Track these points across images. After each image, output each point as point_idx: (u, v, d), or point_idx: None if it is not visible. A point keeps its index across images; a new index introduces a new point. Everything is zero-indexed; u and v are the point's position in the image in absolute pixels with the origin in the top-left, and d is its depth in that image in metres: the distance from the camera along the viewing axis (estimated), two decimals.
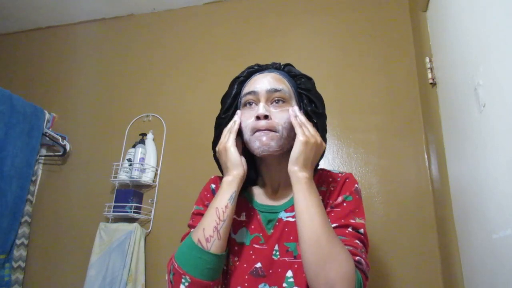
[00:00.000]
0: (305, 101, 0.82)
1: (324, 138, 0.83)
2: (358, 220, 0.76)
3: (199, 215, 0.83)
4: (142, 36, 2.18)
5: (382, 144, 1.56)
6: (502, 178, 0.74)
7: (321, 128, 0.82)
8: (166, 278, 0.71)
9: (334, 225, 0.73)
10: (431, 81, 1.33)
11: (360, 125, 1.60)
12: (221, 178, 0.89)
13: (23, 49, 2.43)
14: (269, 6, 1.99)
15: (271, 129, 0.76)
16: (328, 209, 0.77)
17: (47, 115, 2.02)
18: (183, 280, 0.68)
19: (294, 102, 0.81)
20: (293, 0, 1.96)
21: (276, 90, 0.79)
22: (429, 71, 1.34)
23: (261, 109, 0.76)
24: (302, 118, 0.76)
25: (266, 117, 0.76)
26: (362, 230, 0.74)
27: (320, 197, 0.72)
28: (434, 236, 1.36)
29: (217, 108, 0.90)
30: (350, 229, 0.73)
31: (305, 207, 0.67)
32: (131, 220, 1.73)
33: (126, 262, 1.55)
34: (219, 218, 0.71)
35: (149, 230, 1.71)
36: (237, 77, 0.87)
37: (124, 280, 1.52)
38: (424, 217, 1.40)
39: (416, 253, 1.35)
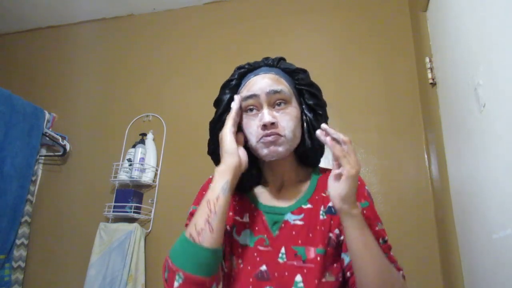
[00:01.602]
0: (306, 95, 0.80)
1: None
2: (379, 227, 0.75)
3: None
4: (142, 36, 2.18)
5: (382, 144, 1.56)
6: (502, 178, 0.74)
7: (325, 117, 0.81)
8: (162, 278, 0.70)
9: None
10: (431, 81, 1.33)
11: (360, 125, 1.60)
12: None
13: (23, 49, 2.43)
14: (269, 6, 1.99)
15: (278, 134, 0.74)
16: None
17: (47, 115, 2.02)
18: (176, 277, 0.65)
19: (294, 101, 0.78)
20: (293, 0, 1.96)
21: (276, 92, 0.75)
22: (429, 71, 1.34)
23: (267, 117, 0.73)
24: (341, 137, 0.65)
25: (273, 124, 0.73)
26: (386, 238, 0.74)
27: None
28: (434, 236, 1.36)
29: None
30: (381, 242, 0.73)
31: (364, 246, 0.65)
32: (131, 220, 1.73)
33: (126, 262, 1.55)
34: (210, 211, 0.67)
35: (149, 230, 1.71)
36: (229, 81, 0.81)
37: (124, 280, 1.52)
38: (424, 217, 1.40)
39: (416, 253, 1.35)
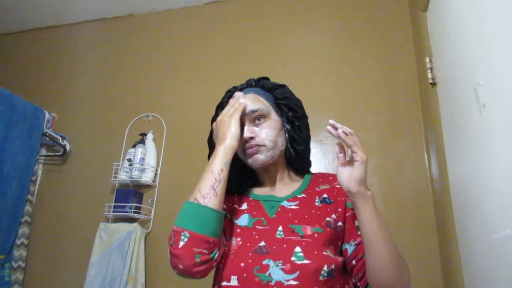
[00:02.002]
0: (284, 109, 0.89)
1: (308, 136, 0.92)
2: None
3: None
4: (142, 36, 2.18)
5: (382, 144, 1.56)
6: (502, 178, 0.74)
7: (304, 128, 0.89)
8: (168, 250, 0.72)
9: None
10: (431, 81, 1.33)
11: (360, 125, 1.60)
12: None
13: (23, 49, 2.43)
14: (269, 6, 1.99)
15: (258, 144, 0.84)
16: (351, 212, 0.80)
17: (47, 115, 2.02)
18: (182, 237, 0.69)
19: (274, 114, 0.88)
20: (293, 1, 1.95)
21: (254, 111, 0.85)
22: (429, 71, 1.34)
23: (246, 132, 0.84)
24: (348, 130, 0.72)
25: (251, 138, 0.84)
26: None
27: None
28: (434, 236, 1.36)
29: None
30: None
31: (378, 225, 0.69)
32: (131, 220, 1.73)
33: (126, 262, 1.55)
34: (215, 179, 0.75)
35: (149, 230, 1.71)
36: (221, 103, 0.93)
37: (124, 280, 1.52)
38: (424, 217, 1.40)
39: (416, 253, 1.35)
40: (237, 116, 0.82)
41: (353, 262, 0.76)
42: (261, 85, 0.91)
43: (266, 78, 0.94)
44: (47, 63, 2.31)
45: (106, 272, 1.57)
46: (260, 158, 0.84)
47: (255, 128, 0.85)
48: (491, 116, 0.79)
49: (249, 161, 0.85)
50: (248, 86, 0.92)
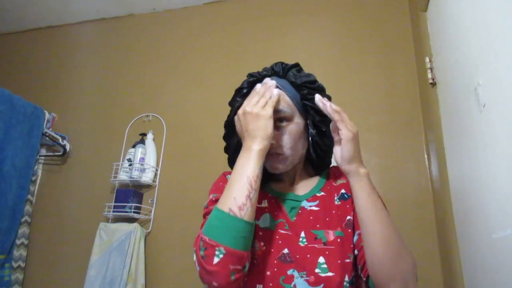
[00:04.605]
0: (311, 111, 0.80)
1: (332, 141, 0.84)
2: None
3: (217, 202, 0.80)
4: (142, 36, 2.18)
5: (382, 144, 1.56)
6: (502, 178, 0.74)
7: (330, 134, 0.82)
8: (194, 258, 0.66)
9: None
10: (431, 81, 1.33)
11: (360, 125, 1.58)
12: None
13: (23, 49, 2.43)
14: (269, 6, 1.99)
15: (277, 153, 0.78)
16: None
17: (47, 115, 2.02)
18: (217, 253, 0.63)
19: (298, 116, 0.79)
20: (293, 1, 1.96)
21: (276, 111, 0.76)
22: (429, 71, 1.34)
23: None
24: (335, 108, 0.71)
25: (271, 144, 0.76)
26: None
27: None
28: (434, 236, 1.36)
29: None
30: None
31: (372, 203, 0.67)
32: (131, 220, 1.73)
33: (126, 262, 1.55)
34: (251, 187, 0.67)
35: (149, 230, 1.71)
36: (240, 88, 0.84)
37: (124, 280, 1.52)
38: (424, 217, 1.40)
39: (416, 253, 1.34)
40: (270, 111, 0.72)
41: (355, 251, 0.74)
42: (289, 78, 0.81)
43: (296, 65, 0.84)
44: (47, 63, 2.31)
45: (106, 272, 1.57)
46: (279, 167, 0.78)
47: (276, 132, 0.77)
48: (491, 116, 0.79)
49: (267, 166, 0.79)
50: (274, 74, 0.83)
